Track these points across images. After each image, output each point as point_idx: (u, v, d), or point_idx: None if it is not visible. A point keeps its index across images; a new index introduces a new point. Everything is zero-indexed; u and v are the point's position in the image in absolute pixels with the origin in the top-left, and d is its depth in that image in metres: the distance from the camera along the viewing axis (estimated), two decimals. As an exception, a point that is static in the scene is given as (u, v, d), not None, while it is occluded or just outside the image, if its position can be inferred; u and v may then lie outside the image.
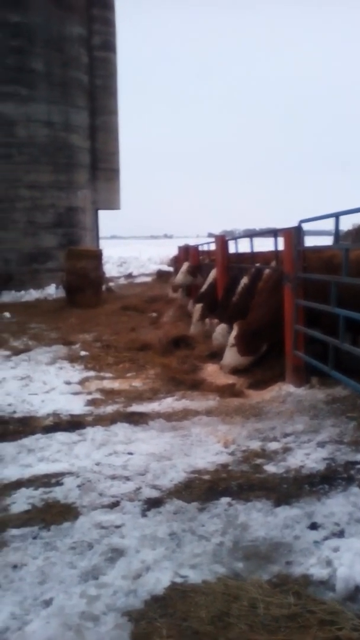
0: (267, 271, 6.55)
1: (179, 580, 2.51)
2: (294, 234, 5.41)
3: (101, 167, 18.49)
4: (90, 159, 18.09)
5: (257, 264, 7.13)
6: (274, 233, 6.39)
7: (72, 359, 7.56)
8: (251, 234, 7.79)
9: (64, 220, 17.12)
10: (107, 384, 6.23)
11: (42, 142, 16.46)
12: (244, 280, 7.08)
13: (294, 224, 5.56)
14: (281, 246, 6.05)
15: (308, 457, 3.84)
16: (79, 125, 17.36)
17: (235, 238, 8.69)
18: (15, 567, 2.67)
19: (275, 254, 6.42)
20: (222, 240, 8.82)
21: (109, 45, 18.33)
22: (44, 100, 16.31)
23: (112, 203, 19.21)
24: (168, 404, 5.36)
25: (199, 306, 9.14)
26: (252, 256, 7.55)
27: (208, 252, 12.28)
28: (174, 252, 24.69)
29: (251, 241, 7.53)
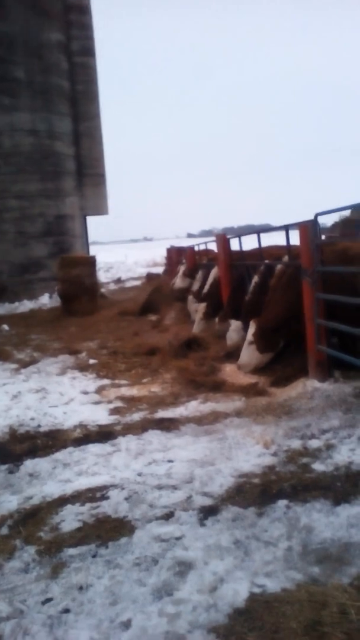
0: (279, 267, 6.46)
1: (257, 590, 2.42)
2: (311, 228, 5.34)
3: (87, 173, 18.31)
4: (75, 166, 17.92)
5: (266, 261, 7.05)
6: (285, 228, 6.31)
7: (82, 367, 7.42)
8: (259, 230, 7.70)
9: (53, 228, 16.93)
10: (126, 391, 6.10)
11: (28, 151, 16.25)
12: (255, 278, 7.01)
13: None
14: (294, 241, 5.99)
15: (354, 453, 3.76)
16: (63, 132, 17.18)
17: (238, 236, 8.60)
18: (81, 588, 2.56)
19: (288, 249, 6.34)
20: (223, 239, 8.74)
21: (88, 50, 18.16)
22: (27, 108, 16.10)
23: (100, 208, 19.03)
24: (194, 407, 5.25)
25: (202, 305, 9.06)
26: (260, 252, 7.48)
27: (206, 252, 12.21)
28: (159, 254, 24.60)
29: (258, 237, 7.45)
